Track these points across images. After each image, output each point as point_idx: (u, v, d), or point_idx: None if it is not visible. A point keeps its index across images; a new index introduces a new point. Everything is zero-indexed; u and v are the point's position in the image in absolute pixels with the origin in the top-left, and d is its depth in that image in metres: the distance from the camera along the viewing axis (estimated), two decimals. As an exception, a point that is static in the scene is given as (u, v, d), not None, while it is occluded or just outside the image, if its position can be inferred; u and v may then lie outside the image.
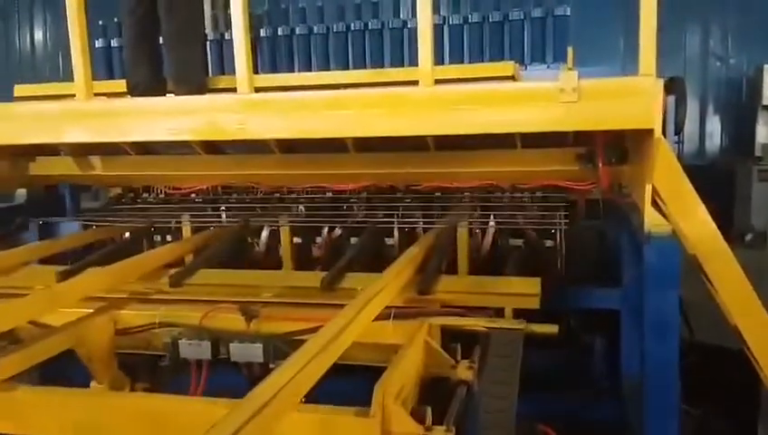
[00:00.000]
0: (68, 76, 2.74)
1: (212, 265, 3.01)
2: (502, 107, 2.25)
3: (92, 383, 2.34)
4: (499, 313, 2.48)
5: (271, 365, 2.14)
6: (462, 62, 4.25)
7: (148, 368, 2.49)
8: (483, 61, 4.20)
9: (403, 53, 4.42)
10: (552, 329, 2.33)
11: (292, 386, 1.49)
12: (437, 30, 4.17)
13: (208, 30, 4.73)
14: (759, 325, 2.26)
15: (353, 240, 3.26)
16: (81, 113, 2.64)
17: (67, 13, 2.66)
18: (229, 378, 2.39)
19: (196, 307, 2.47)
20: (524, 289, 2.58)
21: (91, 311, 2.43)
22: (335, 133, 2.48)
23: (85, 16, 2.69)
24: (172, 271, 2.85)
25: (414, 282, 2.56)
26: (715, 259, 2.26)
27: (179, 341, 2.24)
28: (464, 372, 2.06)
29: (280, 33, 4.61)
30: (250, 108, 2.46)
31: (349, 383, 2.02)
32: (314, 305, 2.47)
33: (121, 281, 2.68)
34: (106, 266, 2.71)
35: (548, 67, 4.07)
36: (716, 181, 6.18)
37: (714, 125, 8.27)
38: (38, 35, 10.60)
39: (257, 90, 2.64)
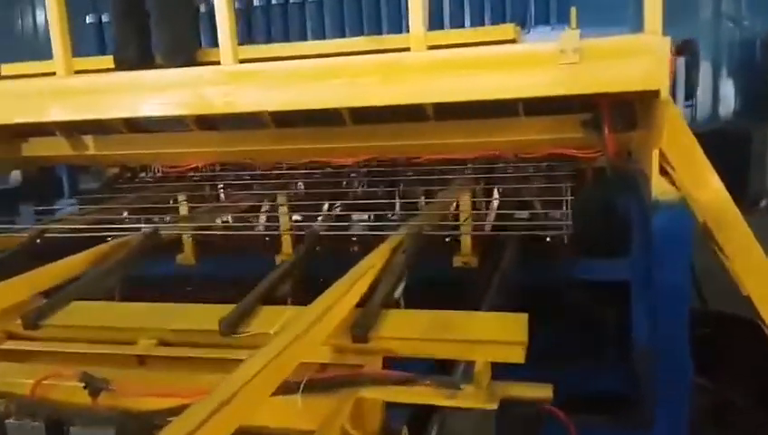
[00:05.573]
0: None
1: (96, 294, 2.23)
2: (499, 71, 2.14)
3: None
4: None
5: None
6: (462, 27, 4.13)
7: None
8: (484, 25, 4.08)
9: (401, 22, 4.31)
10: (545, 392, 1.68)
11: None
12: (436, -5, 4.05)
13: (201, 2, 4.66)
14: (773, 295, 2.17)
15: (355, 216, 3.14)
16: (63, 90, 2.55)
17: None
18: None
19: (42, 364, 1.83)
20: (504, 334, 1.77)
21: None
22: (326, 104, 2.37)
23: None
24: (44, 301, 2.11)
25: (352, 320, 1.83)
26: (727, 227, 2.16)
27: (6, 421, 1.62)
28: None
29: (273, 1, 4.53)
30: (236, 80, 2.35)
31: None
32: (201, 360, 1.84)
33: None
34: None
35: (552, 29, 3.94)
36: (730, 146, 6.04)
37: (727, 88, 8.11)
38: (40, 18, 10.51)
39: (247, 62, 2.53)
